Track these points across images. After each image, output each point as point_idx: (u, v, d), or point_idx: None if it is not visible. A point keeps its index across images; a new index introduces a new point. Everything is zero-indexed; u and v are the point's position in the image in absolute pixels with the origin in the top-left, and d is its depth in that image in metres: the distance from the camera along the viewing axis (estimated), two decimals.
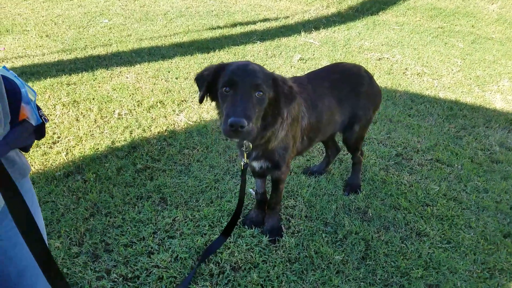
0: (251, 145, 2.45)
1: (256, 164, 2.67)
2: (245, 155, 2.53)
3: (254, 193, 3.36)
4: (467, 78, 6.35)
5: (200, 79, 2.32)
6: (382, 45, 7.57)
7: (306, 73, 3.14)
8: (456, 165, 3.96)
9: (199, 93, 2.32)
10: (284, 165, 2.68)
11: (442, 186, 3.59)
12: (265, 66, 6.05)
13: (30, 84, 4.94)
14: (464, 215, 3.29)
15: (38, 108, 1.46)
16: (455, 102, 5.41)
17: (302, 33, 7.88)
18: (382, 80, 5.93)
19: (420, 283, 2.62)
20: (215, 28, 7.94)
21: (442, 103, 5.34)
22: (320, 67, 3.75)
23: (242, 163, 2.57)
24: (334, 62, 6.28)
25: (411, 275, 2.67)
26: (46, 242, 1.40)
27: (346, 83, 3.03)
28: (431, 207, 3.33)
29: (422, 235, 3.04)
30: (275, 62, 6.32)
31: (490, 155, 4.21)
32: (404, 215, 3.22)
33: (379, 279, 2.64)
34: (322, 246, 2.85)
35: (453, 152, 4.18)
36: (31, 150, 3.65)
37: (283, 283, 2.55)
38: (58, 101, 4.58)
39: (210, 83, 2.27)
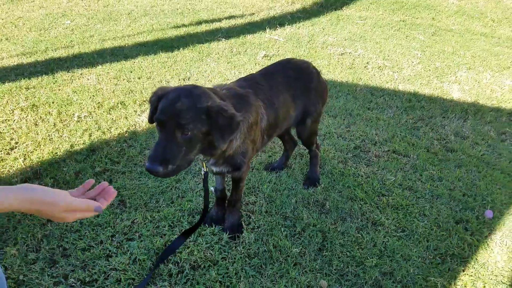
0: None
1: (216, 169, 2.70)
2: (203, 164, 2.56)
3: (214, 190, 3.39)
4: (426, 70, 6.52)
5: (150, 101, 2.33)
6: (345, 40, 7.69)
7: (258, 70, 3.17)
8: (412, 155, 4.08)
9: (149, 113, 2.34)
10: (245, 166, 2.71)
11: (398, 176, 3.71)
12: (229, 64, 6.11)
13: None
14: (418, 203, 3.41)
15: None
16: (413, 94, 5.56)
17: (267, 30, 7.93)
18: (343, 75, 6.04)
19: (374, 271, 2.71)
20: (180, 26, 7.90)
21: (401, 95, 5.48)
22: None
23: (202, 172, 2.58)
24: (297, 58, 6.37)
25: (366, 264, 2.76)
26: None
27: (298, 79, 3.09)
28: (387, 197, 3.43)
29: (377, 225, 3.13)
30: (240, 60, 6.36)
31: (446, 144, 4.35)
32: (360, 206, 3.31)
33: (335, 269, 2.72)
34: (281, 240, 2.90)
35: (410, 143, 4.30)
36: None
37: (242, 279, 2.60)
38: (17, 106, 4.50)
39: (156, 108, 2.25)
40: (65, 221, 1.49)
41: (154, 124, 2.26)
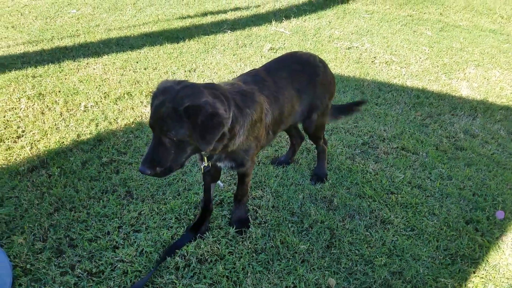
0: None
1: (220, 164, 2.68)
2: (205, 158, 2.54)
3: (222, 185, 3.37)
4: (434, 66, 6.46)
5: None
6: (352, 34, 7.62)
7: (263, 64, 3.10)
8: (421, 153, 4.04)
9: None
10: (249, 162, 2.68)
11: (407, 174, 3.67)
12: (235, 56, 6.07)
13: None
14: (428, 202, 3.37)
15: None
16: (422, 90, 5.51)
17: (273, 22, 7.86)
18: (350, 69, 5.98)
19: (383, 270, 2.69)
20: (185, 17, 7.84)
21: (409, 91, 5.43)
22: None
23: (202, 166, 2.57)
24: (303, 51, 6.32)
25: (375, 263, 2.74)
26: None
27: (303, 73, 3.02)
28: (396, 195, 3.40)
29: (386, 223, 3.10)
30: (246, 52, 6.30)
31: (455, 142, 4.31)
32: (369, 203, 3.28)
33: (343, 267, 2.70)
34: (288, 236, 2.88)
35: (419, 140, 4.26)
36: None
37: (249, 274, 2.58)
38: (23, 94, 4.47)
39: None
40: None
41: None
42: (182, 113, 2.10)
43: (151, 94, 2.37)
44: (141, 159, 2.26)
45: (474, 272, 2.77)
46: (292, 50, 3.36)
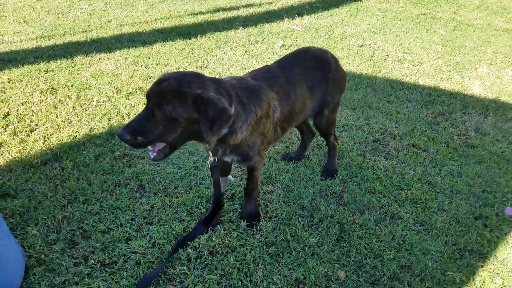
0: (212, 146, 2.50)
1: (225, 158, 2.69)
2: (210, 153, 2.55)
3: (233, 180, 3.39)
4: (447, 64, 6.43)
5: None
6: (364, 32, 7.60)
7: (276, 60, 3.12)
8: (432, 150, 4.03)
9: None
10: (256, 156, 2.69)
11: (417, 171, 3.67)
12: (247, 53, 6.08)
13: (7, 71, 4.88)
14: (437, 198, 3.37)
15: None
16: (434, 89, 5.49)
17: (285, 19, 7.86)
18: (363, 67, 5.97)
19: (392, 264, 2.70)
20: (197, 14, 7.87)
21: (421, 89, 5.41)
22: None
23: (209, 162, 2.58)
24: None
25: (384, 257, 2.75)
26: None
27: (315, 69, 3.03)
28: (406, 191, 3.40)
29: (396, 218, 3.11)
30: (258, 49, 6.32)
31: (466, 140, 4.29)
32: (379, 198, 3.29)
33: (352, 260, 2.71)
34: (298, 230, 2.90)
35: (430, 137, 4.25)
36: (8, 138, 3.63)
37: (260, 266, 2.60)
38: (36, 88, 4.54)
39: None
40: None
41: None
42: (188, 95, 2.14)
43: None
44: (124, 125, 2.18)
45: (482, 267, 2.78)
46: (304, 46, 3.36)
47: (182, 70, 5.29)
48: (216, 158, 2.59)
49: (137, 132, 2.15)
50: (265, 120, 2.61)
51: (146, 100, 2.22)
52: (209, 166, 2.59)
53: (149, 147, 2.29)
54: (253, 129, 2.53)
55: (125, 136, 2.13)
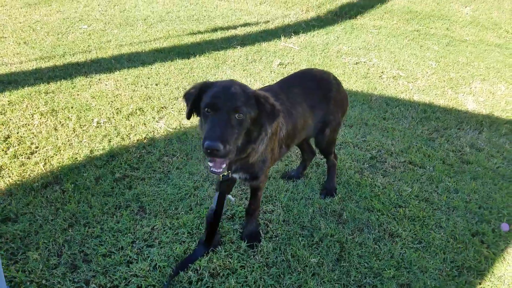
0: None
1: (235, 175, 2.73)
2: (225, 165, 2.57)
3: (233, 200, 3.42)
4: (441, 80, 6.52)
5: (187, 96, 2.42)
6: (359, 49, 7.71)
7: (277, 81, 3.20)
8: (428, 166, 4.09)
9: (186, 108, 2.41)
10: (262, 175, 2.75)
11: (414, 188, 3.71)
12: (245, 71, 6.17)
13: (7, 93, 4.92)
14: (435, 215, 3.41)
15: None
16: (428, 105, 5.56)
17: (282, 38, 7.98)
18: (358, 84, 6.06)
19: (392, 283, 2.72)
20: (196, 33, 7.98)
21: (416, 106, 5.48)
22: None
23: (220, 175, 2.56)
24: (312, 66, 6.41)
25: (384, 275, 2.77)
26: None
27: (316, 89, 3.13)
28: (404, 209, 3.44)
29: (394, 236, 3.15)
30: (255, 67, 6.40)
31: (461, 156, 4.35)
32: (377, 216, 3.32)
33: (353, 280, 2.74)
34: (299, 250, 2.93)
35: (426, 154, 4.31)
36: (8, 161, 3.66)
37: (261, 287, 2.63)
38: (36, 110, 4.58)
39: (195, 100, 2.36)
40: None
41: (189, 120, 2.45)
42: (250, 96, 2.29)
43: (185, 94, 2.43)
44: (206, 136, 2.09)
45: (480, 284, 2.81)
46: (306, 67, 3.45)
47: (182, 92, 5.35)
48: (229, 173, 2.62)
49: (225, 139, 2.11)
50: (275, 137, 2.71)
51: (210, 108, 2.21)
52: (221, 179, 2.61)
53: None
54: (267, 143, 2.61)
55: (218, 145, 2.06)
